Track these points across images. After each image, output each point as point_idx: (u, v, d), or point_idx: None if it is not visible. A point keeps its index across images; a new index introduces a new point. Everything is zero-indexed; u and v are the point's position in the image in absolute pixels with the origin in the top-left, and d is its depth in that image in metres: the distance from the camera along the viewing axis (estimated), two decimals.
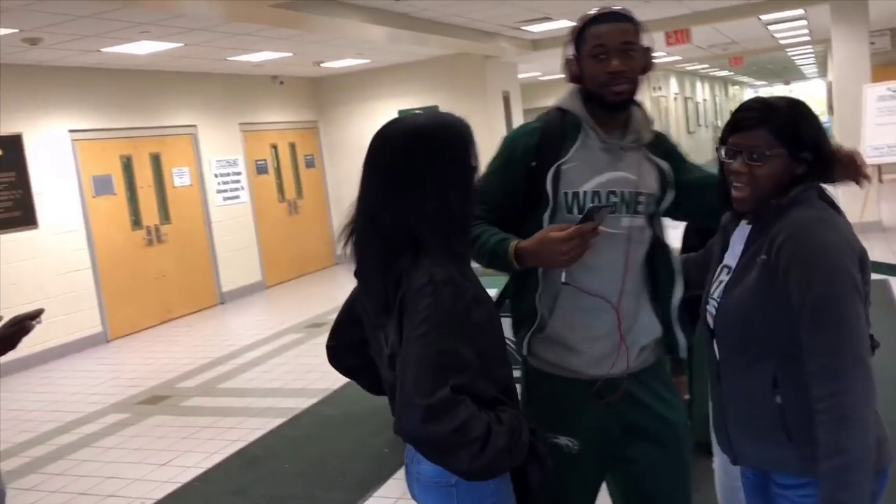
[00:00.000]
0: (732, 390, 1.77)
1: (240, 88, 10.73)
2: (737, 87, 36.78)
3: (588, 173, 1.97)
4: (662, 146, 2.11)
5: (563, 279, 1.91)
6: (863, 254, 1.64)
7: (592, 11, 1.98)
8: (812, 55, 22.41)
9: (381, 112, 11.46)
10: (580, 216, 1.85)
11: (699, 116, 26.00)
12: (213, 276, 10.05)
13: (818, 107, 42.34)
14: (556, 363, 2.00)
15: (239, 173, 10.61)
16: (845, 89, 9.73)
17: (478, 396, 1.51)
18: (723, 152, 1.75)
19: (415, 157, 1.57)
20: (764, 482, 1.79)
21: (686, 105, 23.98)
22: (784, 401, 1.65)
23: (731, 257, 1.81)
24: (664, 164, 2.06)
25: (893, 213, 10.23)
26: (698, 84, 26.71)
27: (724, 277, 1.79)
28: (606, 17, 1.97)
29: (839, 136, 9.87)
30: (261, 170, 11.12)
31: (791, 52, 20.89)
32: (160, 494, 4.20)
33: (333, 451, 4.51)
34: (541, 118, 2.08)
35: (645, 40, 2.03)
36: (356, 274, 1.69)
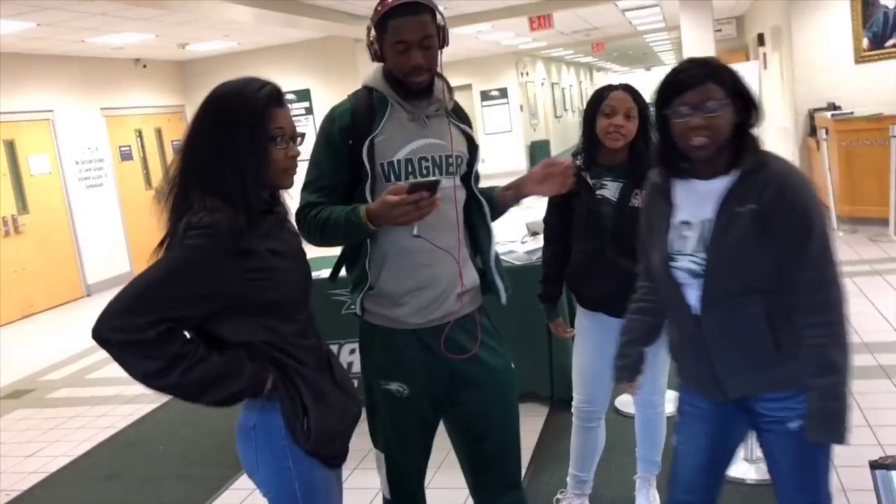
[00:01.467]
0: (722, 331, 1.91)
1: (100, 72, 10.31)
2: (601, 72, 38.26)
3: (399, 143, 2.14)
4: (463, 114, 2.33)
5: (414, 232, 2.08)
6: None
7: (391, 1, 2.07)
8: (668, 41, 23.63)
9: None
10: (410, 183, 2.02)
11: (566, 101, 26.92)
12: (77, 267, 9.65)
13: None
14: (385, 315, 2.17)
15: (102, 160, 10.21)
16: None
17: (221, 340, 1.65)
18: (674, 112, 1.85)
19: (226, 117, 1.67)
20: (732, 409, 1.98)
21: (553, 90, 24.78)
22: (777, 330, 1.85)
23: (690, 213, 1.91)
24: (467, 128, 2.28)
25: None
26: (564, 70, 27.63)
27: (689, 233, 1.90)
28: (405, 8, 2.06)
29: None
30: (125, 156, 10.74)
31: (649, 38, 21.98)
32: (27, 485, 4.09)
33: (209, 432, 4.50)
34: (351, 98, 2.21)
35: (440, 21, 2.13)
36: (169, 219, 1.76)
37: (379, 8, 2.11)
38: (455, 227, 2.19)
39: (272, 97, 1.71)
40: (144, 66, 11.03)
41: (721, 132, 1.83)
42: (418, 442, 2.25)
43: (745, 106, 1.86)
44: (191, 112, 11.78)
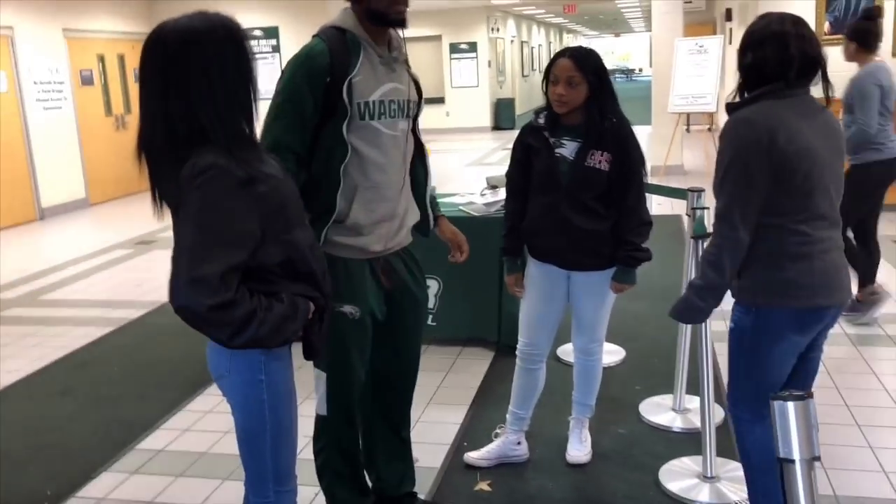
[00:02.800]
0: None
1: None
2: (571, 35, 38.19)
3: (373, 84, 2.32)
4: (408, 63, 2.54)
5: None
6: (772, 140, 2.08)
7: None
8: (639, 9, 23.70)
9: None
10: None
11: (534, 61, 26.90)
12: (31, 189, 9.53)
13: (643, 60, 44.14)
14: (349, 245, 2.35)
15: (62, 83, 10.02)
16: (661, 42, 10.55)
17: (260, 267, 1.71)
18: None
19: (190, 59, 1.68)
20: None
21: (522, 49, 24.73)
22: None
23: None
24: (416, 75, 2.53)
25: (695, 158, 11.29)
26: (534, 28, 27.54)
27: None
28: None
29: (655, 86, 10.73)
30: (86, 81, 10.55)
31: (620, 3, 21.99)
32: None
33: (164, 358, 4.60)
34: (323, 38, 2.30)
35: None
36: (150, 177, 1.75)
37: None
38: (405, 166, 2.47)
39: (240, 28, 1.77)
40: None
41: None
42: (364, 359, 2.46)
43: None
44: None
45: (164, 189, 1.75)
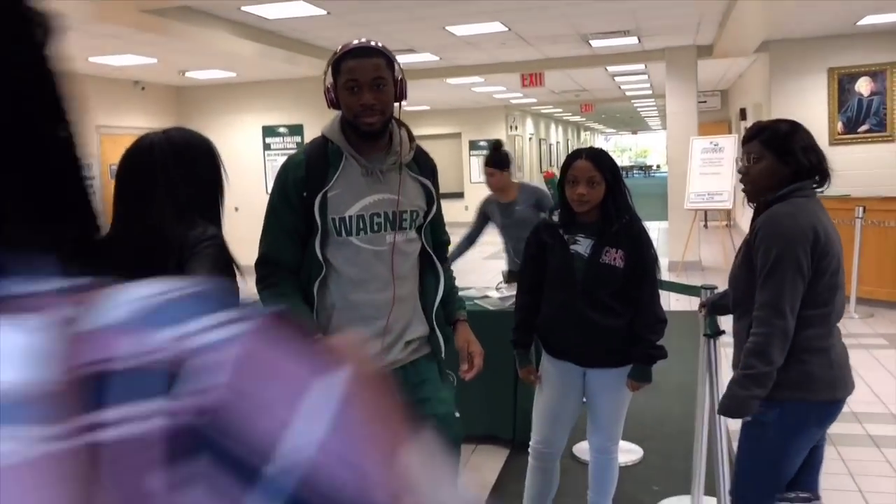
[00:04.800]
0: (734, 336, 2.44)
1: (99, 91, 10.49)
2: (588, 132, 38.97)
3: (351, 198, 2.21)
4: (427, 164, 2.39)
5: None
6: (818, 236, 2.21)
7: (351, 44, 2.20)
8: (655, 108, 24.25)
9: (246, 125, 11.55)
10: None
11: (552, 157, 27.40)
12: None
13: (660, 157, 44.71)
14: None
15: (93, 178, 10.22)
16: (676, 140, 10.76)
17: None
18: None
19: (176, 165, 1.91)
20: None
21: (540, 146, 25.24)
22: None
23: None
24: (426, 181, 2.34)
25: (713, 254, 11.32)
26: (553, 127, 28.17)
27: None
28: (359, 51, 2.17)
29: (671, 183, 10.89)
30: (115, 174, 10.87)
31: (636, 103, 22.52)
32: None
33: None
34: (306, 148, 2.28)
35: (397, 73, 2.23)
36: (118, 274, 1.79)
37: (336, 52, 2.21)
38: (397, 280, 2.26)
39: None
40: (143, 88, 11.24)
41: (755, 180, 2.35)
42: None
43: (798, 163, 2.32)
44: None
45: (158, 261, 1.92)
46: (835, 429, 4.35)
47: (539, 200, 4.65)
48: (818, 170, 2.32)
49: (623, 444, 3.64)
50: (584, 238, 2.84)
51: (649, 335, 2.82)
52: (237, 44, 8.22)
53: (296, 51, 9.02)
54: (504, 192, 4.70)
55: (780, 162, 2.29)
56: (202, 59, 9.47)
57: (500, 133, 19.46)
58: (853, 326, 6.88)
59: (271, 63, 9.60)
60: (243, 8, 7.20)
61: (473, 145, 19.58)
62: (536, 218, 4.63)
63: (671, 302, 7.66)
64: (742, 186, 2.44)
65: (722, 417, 2.78)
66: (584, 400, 3.02)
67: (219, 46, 8.31)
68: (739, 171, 2.42)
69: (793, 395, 2.21)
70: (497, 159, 4.68)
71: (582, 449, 4.10)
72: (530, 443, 3.04)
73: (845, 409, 4.62)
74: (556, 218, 2.94)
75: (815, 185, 2.32)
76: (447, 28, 8.49)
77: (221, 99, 12.07)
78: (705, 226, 13.27)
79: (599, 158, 2.83)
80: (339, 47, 2.21)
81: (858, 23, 8.85)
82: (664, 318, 2.87)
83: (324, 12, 7.41)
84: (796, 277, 2.17)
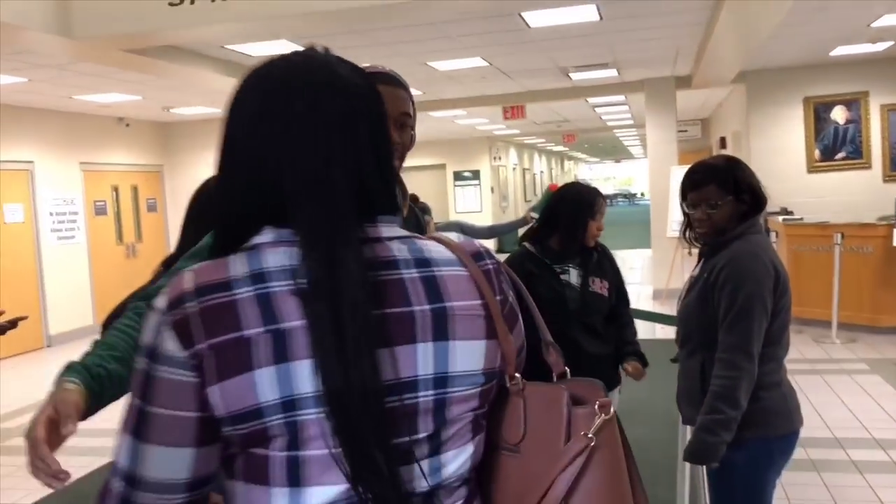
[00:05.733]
0: (681, 370, 2.43)
1: (83, 127, 10.53)
2: (572, 161, 39.30)
3: None
4: (416, 222, 2.04)
5: None
6: (778, 275, 2.24)
7: (376, 67, 1.76)
8: (637, 137, 24.53)
9: None
10: None
11: (535, 186, 27.60)
12: (40, 317, 9.66)
13: (644, 184, 45.55)
14: None
15: (76, 213, 10.34)
16: (657, 169, 10.89)
17: None
18: (684, 206, 2.37)
19: None
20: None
21: (524, 175, 25.43)
22: (705, 380, 2.27)
23: (695, 272, 2.43)
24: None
25: None
26: (536, 157, 28.40)
27: (687, 286, 2.43)
28: (387, 78, 1.73)
29: (653, 211, 11.01)
30: (99, 211, 10.88)
31: (618, 133, 22.78)
32: None
33: None
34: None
35: (414, 116, 1.79)
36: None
37: None
38: None
39: None
40: (127, 125, 11.30)
41: (718, 224, 2.30)
42: None
43: (753, 198, 2.32)
44: (169, 172, 12.01)
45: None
46: (818, 454, 4.40)
47: (461, 229, 4.77)
48: (764, 198, 2.35)
49: None
50: (572, 268, 2.95)
51: (633, 338, 3.08)
52: (221, 81, 8.29)
53: None
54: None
55: (739, 201, 2.30)
56: (187, 95, 9.54)
57: (483, 163, 19.63)
58: (835, 352, 6.95)
59: None
60: (227, 46, 7.28)
61: (458, 176, 19.72)
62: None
63: (656, 330, 7.71)
64: (693, 233, 2.38)
65: None
66: None
67: (203, 84, 8.38)
68: (694, 219, 2.34)
69: (755, 434, 2.21)
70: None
71: None
72: None
73: (828, 434, 4.70)
74: (532, 248, 3.02)
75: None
76: (429, 63, 8.61)
77: (206, 134, 12.13)
78: (689, 253, 13.38)
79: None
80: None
81: (831, 53, 9.05)
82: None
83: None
84: (762, 319, 2.18)
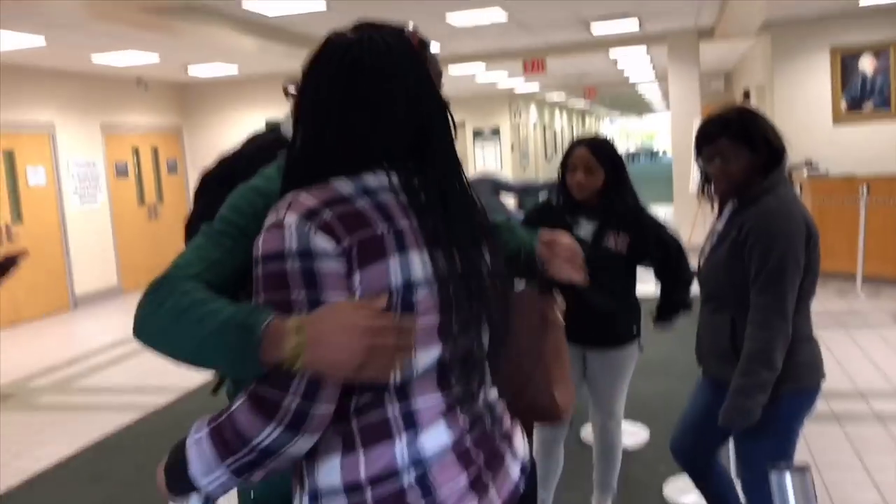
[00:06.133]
0: (705, 325, 2.40)
1: (102, 89, 10.55)
2: (592, 117, 38.85)
3: None
4: None
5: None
6: (810, 230, 2.20)
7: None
8: (660, 91, 24.16)
9: (249, 121, 11.57)
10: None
11: (556, 145, 27.37)
12: (66, 279, 9.79)
13: (666, 138, 45.02)
14: None
15: (98, 176, 10.41)
16: (680, 123, 10.75)
17: None
18: (700, 161, 2.32)
19: None
20: (714, 386, 2.40)
21: (545, 133, 25.20)
22: (736, 337, 2.25)
23: (719, 227, 2.37)
24: None
25: None
26: (557, 114, 28.10)
27: (712, 241, 2.38)
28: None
29: (675, 166, 10.89)
30: (121, 172, 10.94)
31: (640, 87, 22.44)
32: (10, 484, 4.23)
33: None
34: (267, 180, 1.41)
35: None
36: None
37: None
38: None
39: None
40: (146, 86, 11.29)
41: (735, 177, 2.25)
42: None
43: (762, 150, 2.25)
44: (188, 133, 12.05)
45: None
46: (839, 406, 4.40)
47: (494, 185, 4.69)
48: (784, 148, 2.29)
49: (629, 426, 3.68)
50: (586, 222, 2.89)
51: (682, 293, 2.94)
52: (239, 39, 8.25)
53: (297, 45, 9.04)
54: None
55: (755, 153, 2.24)
56: (204, 54, 9.51)
57: (504, 121, 19.47)
58: (859, 305, 6.90)
59: (273, 58, 9.63)
60: (244, 6, 7.23)
61: (478, 133, 19.59)
62: (499, 202, 4.68)
63: None
64: (712, 188, 2.33)
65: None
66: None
67: (221, 43, 8.35)
68: (710, 175, 2.31)
69: (788, 388, 2.20)
70: None
71: (587, 432, 4.14)
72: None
73: (850, 386, 4.68)
74: (553, 200, 3.00)
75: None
76: (447, 17, 8.50)
77: (224, 95, 12.12)
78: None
79: (598, 147, 2.89)
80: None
81: (861, 3, 8.81)
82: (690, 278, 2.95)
83: (323, 7, 7.43)
84: (795, 278, 2.15)
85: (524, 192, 4.76)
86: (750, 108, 2.36)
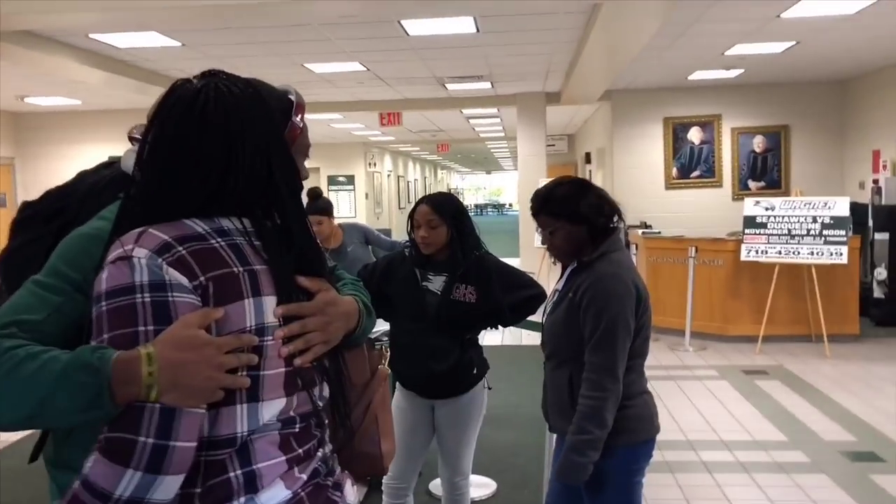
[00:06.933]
0: (548, 381, 2.48)
1: None
2: (445, 170, 39.80)
3: None
4: None
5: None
6: (639, 293, 2.30)
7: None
8: (507, 149, 25.14)
9: (90, 155, 10.93)
10: None
11: (410, 194, 27.75)
12: None
13: (513, 195, 46.40)
14: None
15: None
16: (526, 182, 11.21)
17: None
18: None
19: None
20: (561, 442, 2.44)
21: (398, 182, 25.52)
22: (574, 394, 2.32)
23: (559, 286, 2.45)
24: None
25: None
26: (410, 164, 28.57)
27: (553, 300, 2.45)
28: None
29: (522, 222, 11.31)
30: None
31: (490, 144, 23.26)
32: None
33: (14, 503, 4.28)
34: (109, 223, 1.27)
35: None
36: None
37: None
38: None
39: None
40: None
41: (561, 248, 2.38)
42: None
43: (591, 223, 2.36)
44: (21, 165, 11.21)
45: None
46: (671, 456, 4.66)
47: (366, 235, 4.72)
48: (611, 219, 2.38)
49: (476, 477, 3.72)
50: (434, 276, 2.97)
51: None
52: (84, 71, 7.87)
53: (147, 81, 8.74)
54: (330, 239, 4.69)
55: (575, 225, 2.34)
56: (43, 85, 8.98)
57: (359, 169, 19.55)
58: (688, 359, 7.37)
59: (120, 92, 9.25)
60: (92, 35, 6.92)
61: (332, 180, 19.55)
62: (368, 254, 4.72)
63: (522, 336, 7.92)
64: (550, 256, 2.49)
65: None
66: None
67: (63, 73, 7.92)
68: (543, 244, 2.47)
69: (624, 441, 2.31)
70: (323, 206, 4.68)
71: (436, 485, 4.15)
72: (383, 479, 3.07)
73: (681, 437, 4.98)
74: (407, 252, 3.06)
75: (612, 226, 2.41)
76: (306, 65, 8.51)
77: (64, 127, 11.48)
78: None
79: (439, 204, 2.99)
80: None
81: (689, 77, 9.62)
82: (540, 294, 3.07)
83: (178, 44, 7.24)
84: (627, 340, 2.27)
85: (391, 249, 4.79)
86: (575, 182, 2.45)
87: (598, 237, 2.35)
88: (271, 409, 1.17)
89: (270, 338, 1.16)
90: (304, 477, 1.24)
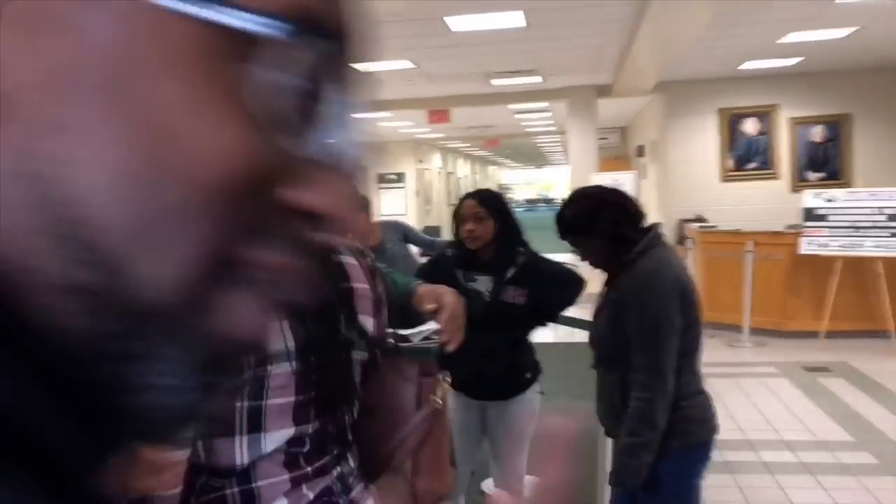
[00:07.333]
0: (599, 385, 2.45)
1: None
2: (495, 166, 39.70)
3: None
4: None
5: None
6: (684, 287, 2.25)
7: None
8: (559, 143, 24.93)
9: None
10: None
11: (459, 190, 27.75)
12: None
13: (564, 189, 46.25)
14: None
15: None
16: (578, 177, 11.06)
17: None
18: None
19: None
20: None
21: (448, 179, 25.53)
22: (626, 397, 2.27)
23: (605, 288, 2.46)
24: None
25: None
26: (460, 161, 28.56)
27: (599, 302, 2.44)
28: None
29: None
30: None
31: (540, 139, 23.11)
32: None
33: None
34: None
35: None
36: None
37: None
38: None
39: None
40: None
41: (594, 260, 2.38)
42: None
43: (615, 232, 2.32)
44: None
45: None
46: (731, 456, 4.53)
47: (405, 233, 4.69)
48: (635, 224, 2.35)
49: (531, 478, 3.65)
50: (480, 276, 2.92)
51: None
52: None
53: None
54: (368, 236, 4.66)
55: (593, 240, 2.34)
56: None
57: (408, 166, 19.60)
58: (746, 356, 7.20)
59: None
60: None
61: (382, 178, 19.64)
62: (408, 252, 4.70)
63: (574, 335, 7.82)
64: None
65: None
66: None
67: None
68: (581, 259, 2.44)
69: (680, 443, 2.25)
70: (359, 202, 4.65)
71: (489, 485, 4.11)
72: None
73: (740, 436, 4.84)
74: (449, 253, 3.02)
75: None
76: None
77: None
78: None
79: (486, 198, 2.97)
80: None
81: (740, 67, 9.38)
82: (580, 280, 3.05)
83: None
84: (672, 336, 2.20)
85: (430, 247, 4.75)
86: (585, 198, 2.43)
87: (628, 243, 2.29)
88: (276, 438, 1.15)
89: (280, 367, 1.13)
90: (312, 495, 1.21)
